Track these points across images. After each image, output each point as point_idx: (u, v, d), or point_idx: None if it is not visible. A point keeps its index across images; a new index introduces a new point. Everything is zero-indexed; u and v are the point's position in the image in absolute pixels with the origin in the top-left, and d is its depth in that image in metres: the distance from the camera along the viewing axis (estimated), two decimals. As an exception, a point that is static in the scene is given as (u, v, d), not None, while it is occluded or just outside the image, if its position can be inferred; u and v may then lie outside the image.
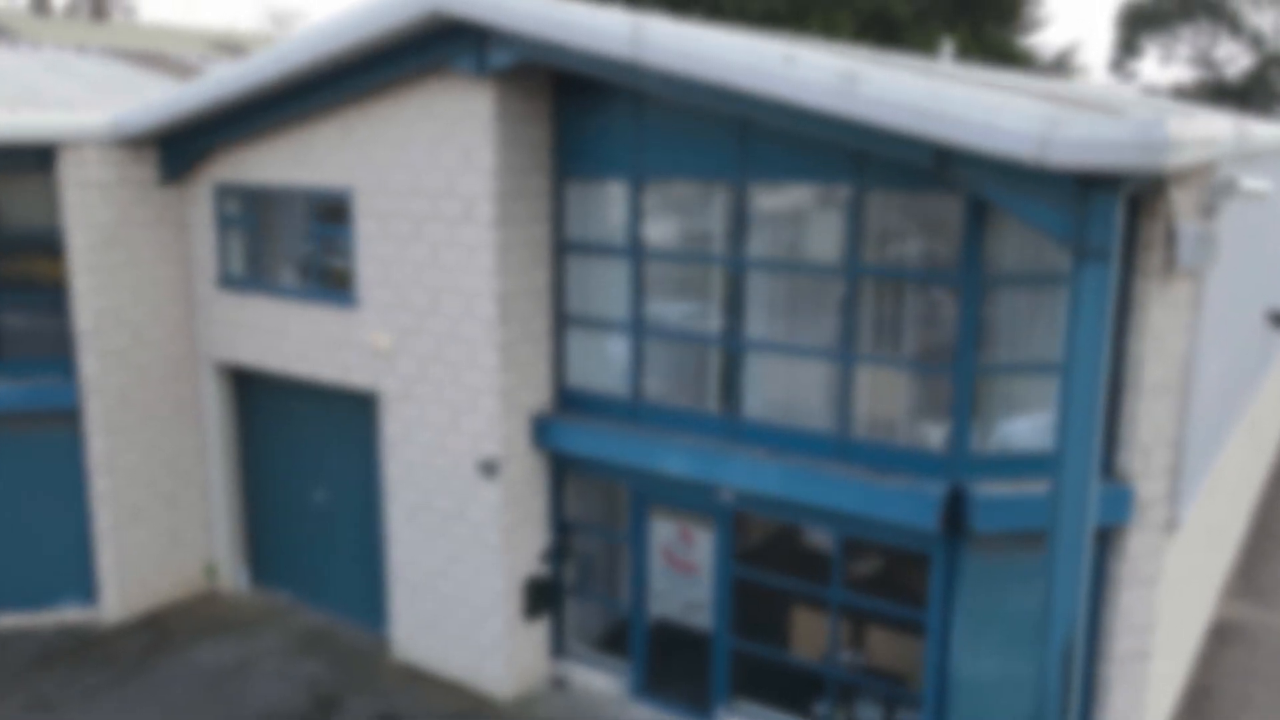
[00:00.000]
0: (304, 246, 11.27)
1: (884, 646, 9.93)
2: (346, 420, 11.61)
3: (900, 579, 9.96)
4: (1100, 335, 6.67)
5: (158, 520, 12.31)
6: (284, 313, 11.38)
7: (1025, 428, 8.47)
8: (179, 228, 12.00)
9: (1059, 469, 6.96)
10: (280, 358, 11.53)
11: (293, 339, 11.36)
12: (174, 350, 12.15)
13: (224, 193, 11.69)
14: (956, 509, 8.26)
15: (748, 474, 9.05)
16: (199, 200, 11.86)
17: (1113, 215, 6.38)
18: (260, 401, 12.45)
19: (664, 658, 10.50)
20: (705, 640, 10.05)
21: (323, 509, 12.15)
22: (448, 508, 10.52)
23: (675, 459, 9.44)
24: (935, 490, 8.18)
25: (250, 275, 11.73)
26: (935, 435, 8.61)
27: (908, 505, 8.29)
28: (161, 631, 11.91)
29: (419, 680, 10.94)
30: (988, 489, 8.20)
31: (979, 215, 7.94)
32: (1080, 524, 6.99)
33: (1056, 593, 7.14)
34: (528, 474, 10.36)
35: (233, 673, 11.03)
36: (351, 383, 10.98)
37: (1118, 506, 8.15)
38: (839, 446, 8.89)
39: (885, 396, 8.86)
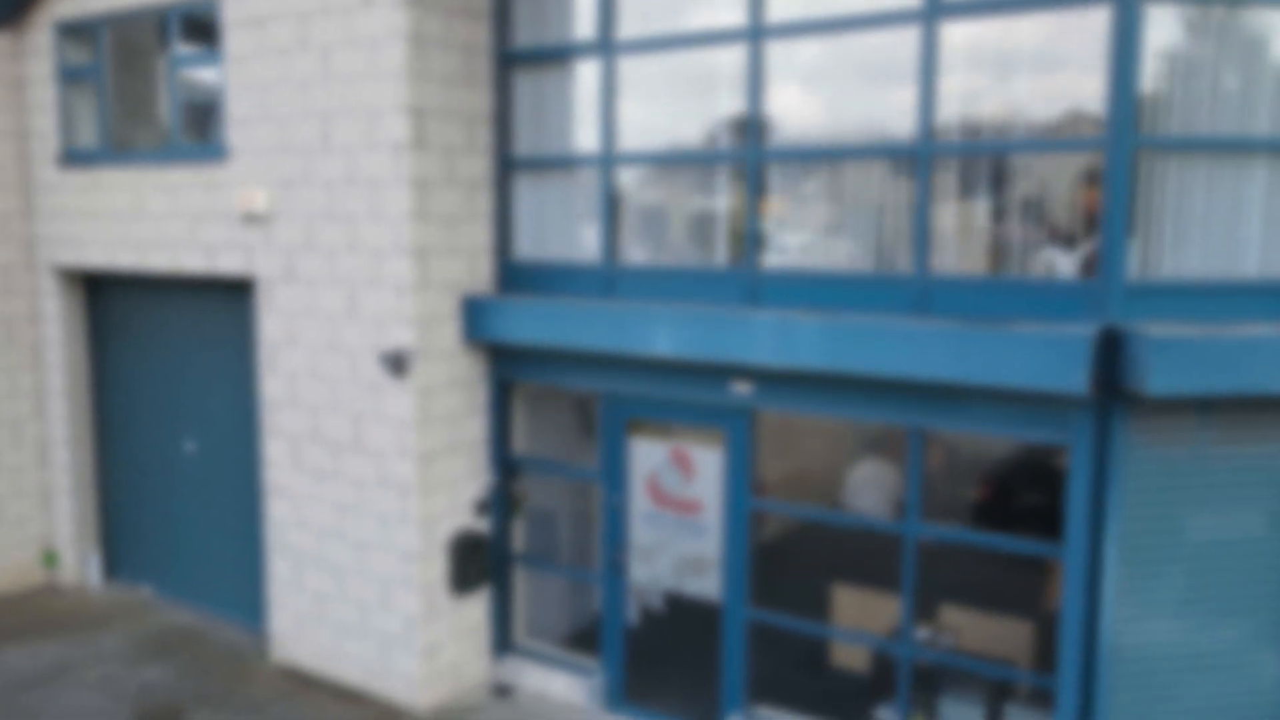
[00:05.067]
0: (163, 91, 8.35)
1: (980, 617, 6.72)
2: (218, 332, 8.53)
3: (1014, 497, 6.82)
4: None
5: (-26, 484, 9.15)
6: (139, 186, 8.40)
7: (1211, 245, 5.42)
8: (12, 89, 9.08)
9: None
10: (134, 250, 8.51)
11: (150, 220, 8.36)
12: (2, 254, 9.13)
13: (67, 34, 8.80)
14: (1113, 360, 5.16)
15: (776, 342, 5.94)
16: (37, 50, 8.98)
17: None
18: (118, 320, 9.36)
19: (651, 648, 7.24)
20: (711, 616, 6.82)
21: (195, 467, 8.98)
22: (342, 434, 7.39)
23: (666, 334, 6.35)
24: (1079, 332, 5.09)
25: (101, 145, 8.78)
26: (1066, 263, 5.56)
27: (1035, 358, 5.18)
28: (-39, 631, 8.65)
29: (302, 687, 7.65)
30: (1163, 330, 5.12)
31: (1140, -112, 5.04)
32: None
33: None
34: (456, 380, 7.26)
35: (41, 681, 7.74)
36: (220, 271, 7.95)
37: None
38: (914, 293, 5.82)
39: (984, 210, 5.83)
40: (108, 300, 9.38)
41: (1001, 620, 6.72)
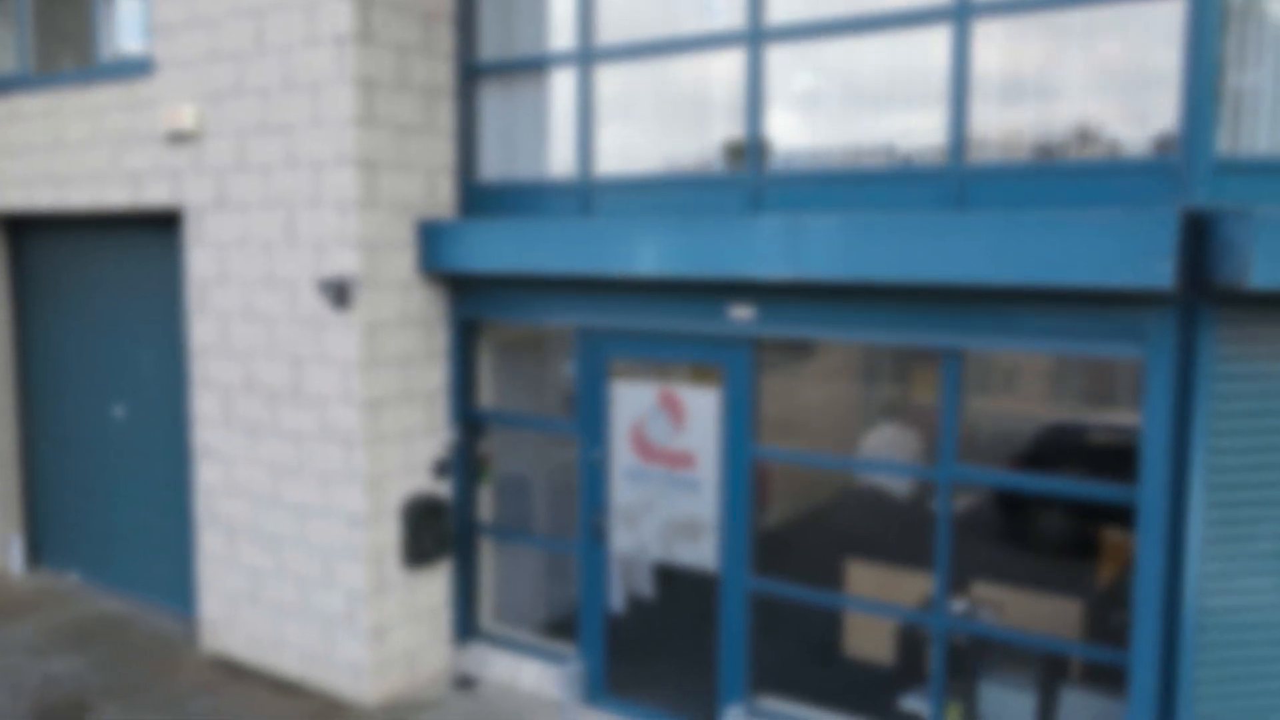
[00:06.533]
0: (85, 3, 7.40)
1: (1020, 594, 5.71)
2: (148, 278, 7.52)
3: (1072, 446, 5.86)
4: None
5: (-123, 456, 8.11)
6: (59, 112, 7.43)
7: (1315, 114, 4.46)
8: (-77, 10, 8.15)
9: None
10: (54, 186, 7.52)
11: (70, 150, 7.38)
12: (-90, 195, 8.15)
13: (-17, -53, 7.90)
14: (1200, 251, 4.17)
15: (783, 249, 4.95)
16: (-48, -32, 8.05)
17: None
18: (42, 272, 8.34)
19: (638, 630, 6.21)
20: (707, 589, 5.78)
21: (124, 435, 7.96)
22: (279, 380, 6.38)
23: (652, 250, 5.36)
24: (1161, 213, 4.11)
25: (19, 69, 7.82)
26: (1138, 138, 4.59)
27: (1104, 248, 4.19)
28: None
29: (232, 678, 6.60)
30: (1269, 211, 4.14)
31: None
32: None
33: None
34: (411, 317, 6.26)
35: (-68, 673, 6.71)
36: (146, 204, 6.96)
37: None
38: (948, 187, 4.85)
39: (1036, 68, 4.86)
40: (30, 250, 8.37)
41: (1046, 598, 5.71)
